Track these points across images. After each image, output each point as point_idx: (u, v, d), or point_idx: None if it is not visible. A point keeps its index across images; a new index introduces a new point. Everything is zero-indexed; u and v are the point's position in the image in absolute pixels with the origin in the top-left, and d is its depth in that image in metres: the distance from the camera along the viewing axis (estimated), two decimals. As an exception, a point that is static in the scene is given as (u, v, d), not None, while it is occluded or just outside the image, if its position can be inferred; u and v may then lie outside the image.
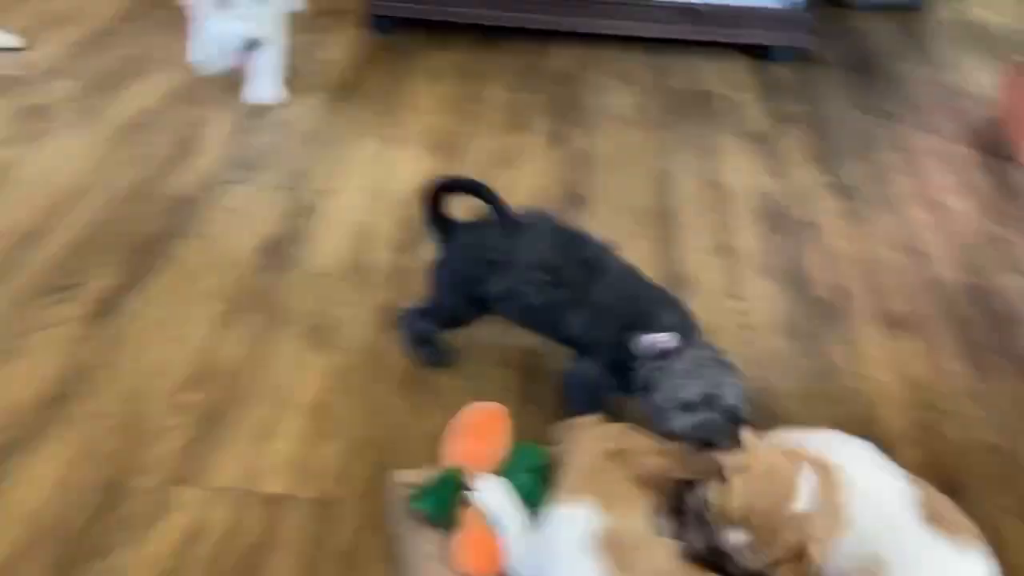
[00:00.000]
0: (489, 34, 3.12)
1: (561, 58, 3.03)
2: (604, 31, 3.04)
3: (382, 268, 2.04)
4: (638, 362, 1.43)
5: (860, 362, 1.84)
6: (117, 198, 2.22)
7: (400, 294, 1.96)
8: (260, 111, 2.63)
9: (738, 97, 2.84)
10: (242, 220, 2.18)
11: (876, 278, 2.09)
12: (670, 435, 1.31)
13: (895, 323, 1.95)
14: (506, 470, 1.36)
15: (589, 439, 1.23)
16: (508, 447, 1.39)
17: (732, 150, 2.56)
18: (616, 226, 2.21)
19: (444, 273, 1.71)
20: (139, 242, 2.07)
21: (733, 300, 2.00)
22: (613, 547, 1.03)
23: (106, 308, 1.87)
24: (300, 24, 3.13)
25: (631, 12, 2.99)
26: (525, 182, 2.37)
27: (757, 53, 3.08)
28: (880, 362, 1.85)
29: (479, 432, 1.38)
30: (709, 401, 1.32)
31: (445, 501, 1.31)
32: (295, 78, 2.79)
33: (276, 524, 1.46)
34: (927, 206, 2.36)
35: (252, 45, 2.45)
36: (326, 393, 1.71)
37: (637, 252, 2.10)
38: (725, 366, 1.38)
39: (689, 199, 2.34)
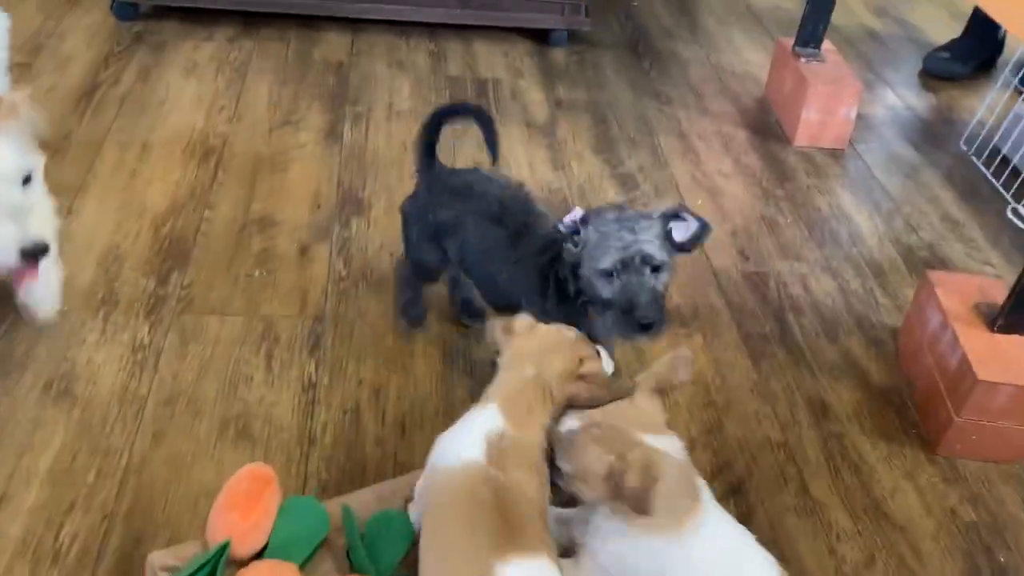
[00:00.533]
0: (250, 21, 2.89)
1: (330, 46, 2.85)
2: (372, 16, 2.88)
3: (133, 298, 1.82)
4: (564, 251, 1.41)
5: (642, 362, 1.83)
6: None
7: (152, 330, 1.76)
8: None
9: (517, 84, 2.77)
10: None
11: (659, 271, 2.08)
12: (602, 303, 1.37)
13: (673, 316, 1.95)
14: (280, 543, 1.23)
15: (520, 357, 1.26)
16: (274, 514, 1.26)
17: (515, 141, 2.49)
18: (396, 232, 2.09)
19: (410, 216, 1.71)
20: None
21: (520, 306, 1.94)
22: (494, 445, 1.16)
23: None
24: (35, 8, 2.79)
25: (402, -5, 2.85)
26: (297, 187, 2.20)
27: (535, 36, 3.02)
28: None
29: (245, 501, 1.23)
30: (624, 263, 1.34)
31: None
32: (26, 75, 2.47)
33: (9, 628, 1.26)
34: (702, 190, 2.38)
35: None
36: (70, 456, 1.50)
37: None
38: (632, 219, 1.37)
39: (471, 198, 2.25)
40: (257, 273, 1.93)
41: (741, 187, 2.42)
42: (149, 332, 1.76)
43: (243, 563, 1.23)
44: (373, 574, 1.21)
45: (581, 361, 1.26)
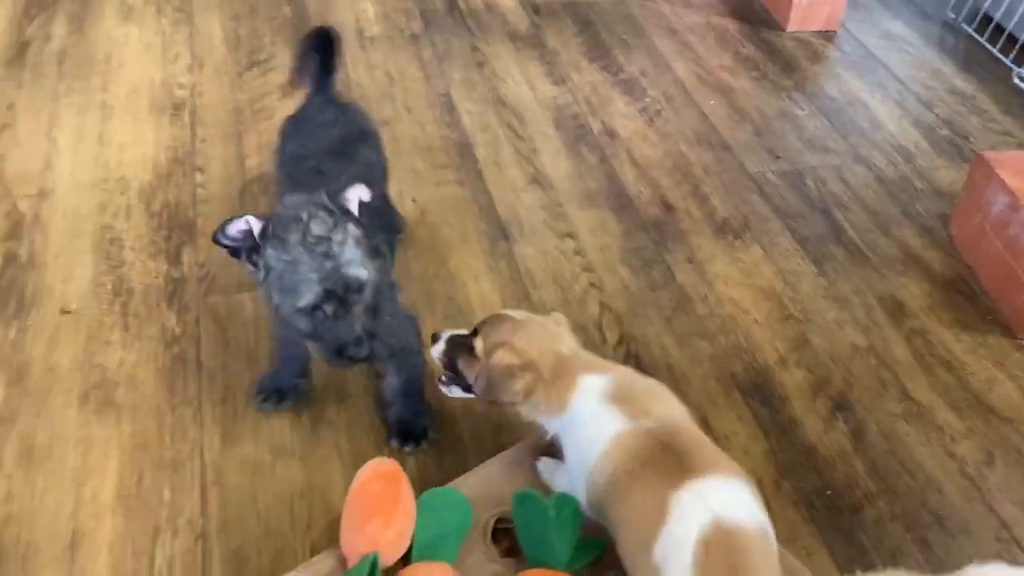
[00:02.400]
0: (180, -50, 2.58)
1: (276, -30, 2.57)
2: (320, -68, 2.61)
3: (148, 285, 1.62)
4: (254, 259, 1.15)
5: (709, 283, 1.74)
6: None
7: (180, 318, 1.57)
8: (-94, 96, 2.00)
9: (487, -7, 2.57)
10: (-67, 257, 1.64)
11: (691, 182, 1.98)
12: (307, 335, 1.16)
13: (727, 230, 1.86)
14: (426, 542, 1.11)
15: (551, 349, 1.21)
16: (413, 513, 1.13)
17: (503, 58, 2.31)
18: (412, 174, 1.92)
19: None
20: None
21: (565, 239, 1.81)
22: (620, 403, 1.15)
23: None
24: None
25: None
26: (288, 136, 1.99)
27: (490, -62, 2.80)
28: (728, 278, 1.75)
29: (382, 505, 1.10)
30: (322, 297, 1.11)
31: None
32: (-58, 42, 2.16)
33: None
34: (713, 90, 2.27)
35: None
36: (135, 476, 1.33)
37: (444, 202, 1.86)
38: (328, 234, 1.12)
39: (480, 126, 2.08)
40: (276, 238, 1.74)
41: (748, 82, 2.31)
42: (178, 321, 1.57)
43: (391, 570, 1.10)
44: (556, 560, 1.10)
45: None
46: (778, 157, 2.07)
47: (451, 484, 1.24)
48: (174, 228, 1.74)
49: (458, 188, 1.91)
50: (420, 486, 1.25)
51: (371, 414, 1.45)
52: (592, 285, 1.71)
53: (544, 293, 1.69)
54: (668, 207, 1.91)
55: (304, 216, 1.11)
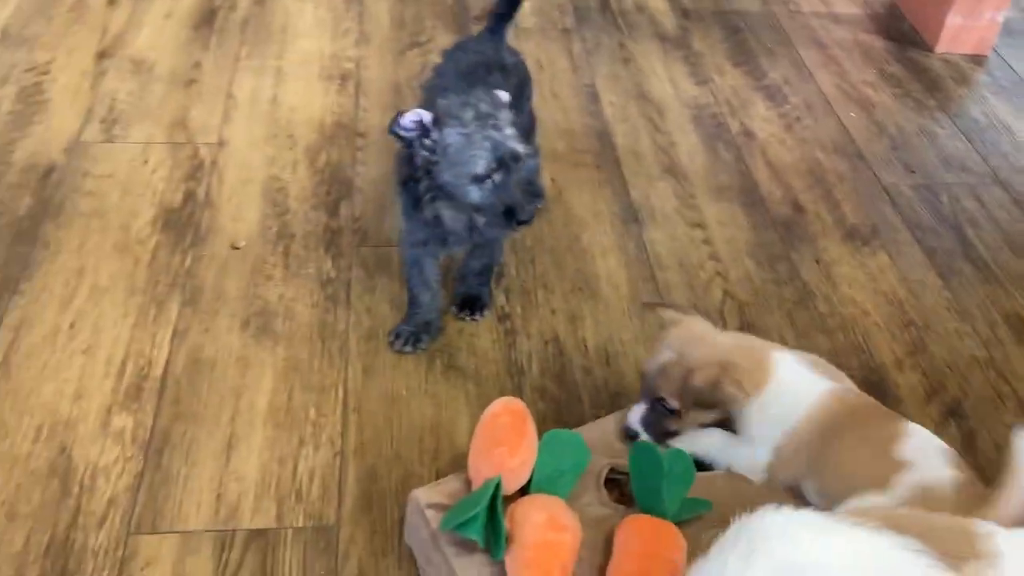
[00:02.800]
0: (356, -64, 2.77)
1: (441, -40, 2.73)
2: (485, -73, 2.75)
3: (309, 231, 1.78)
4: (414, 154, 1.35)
5: (834, 284, 1.78)
6: (-39, 176, 1.82)
7: (335, 263, 1.72)
8: (112, 50, 2.23)
9: (639, -5, 2.67)
10: (125, 188, 1.84)
11: (824, 187, 2.02)
12: (474, 208, 1.34)
13: (855, 235, 1.90)
14: (544, 477, 1.21)
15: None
16: (536, 448, 1.23)
17: (650, 57, 2.40)
18: (556, 155, 2.03)
19: None
20: (3, 232, 1.71)
21: (694, 228, 1.88)
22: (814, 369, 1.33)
23: (-14, 322, 1.54)
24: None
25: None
26: (441, 112, 2.13)
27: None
28: (853, 281, 1.79)
29: (511, 436, 1.21)
30: (493, 165, 1.30)
31: (496, 522, 1.14)
32: (141, 1, 2.39)
33: (269, 567, 1.25)
34: (854, 103, 2.30)
35: None
36: (286, 394, 1.48)
37: (580, 183, 1.96)
38: (491, 117, 1.32)
39: (621, 117, 2.17)
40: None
41: (890, 98, 2.33)
42: (333, 265, 1.72)
43: (510, 498, 1.21)
44: (665, 511, 1.19)
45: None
46: (913, 172, 2.08)
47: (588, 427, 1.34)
48: (334, 184, 1.90)
49: (595, 171, 2.00)
50: (540, 433, 1.35)
51: (499, 366, 1.56)
52: (717, 273, 1.78)
53: (669, 275, 1.76)
54: (798, 208, 1.95)
55: (472, 100, 1.32)
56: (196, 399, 1.46)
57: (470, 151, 1.29)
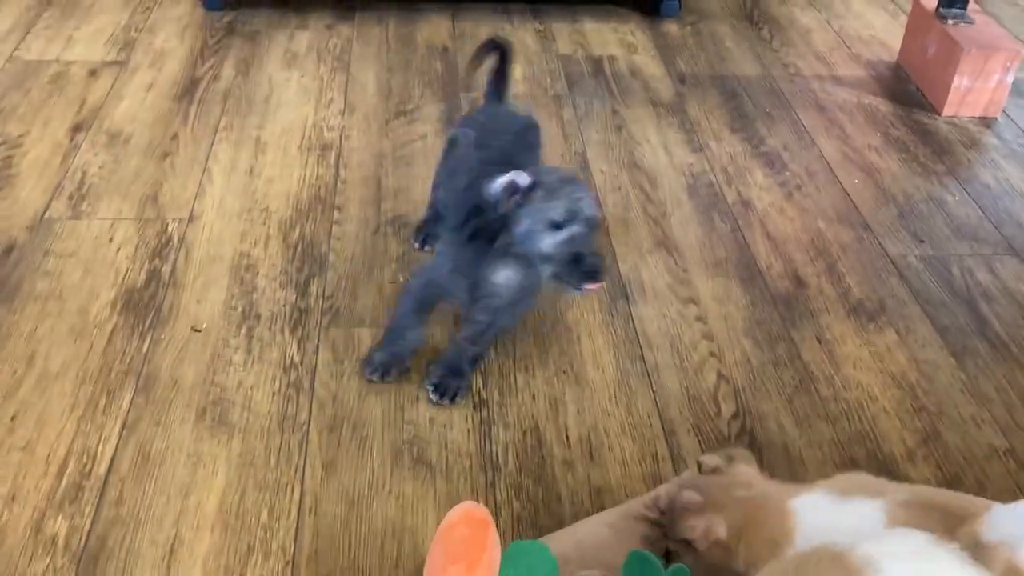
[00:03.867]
0: (344, 5, 2.73)
1: (431, 28, 2.68)
2: (477, -6, 2.71)
3: (275, 312, 1.68)
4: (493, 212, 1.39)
5: (837, 364, 1.65)
6: (-85, 256, 1.74)
7: (300, 346, 1.61)
8: (89, 122, 2.17)
9: (634, 60, 2.59)
10: (87, 268, 1.75)
11: (827, 260, 1.90)
12: (543, 256, 1.38)
13: (860, 311, 1.77)
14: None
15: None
16: (498, 563, 1.11)
17: (643, 123, 2.31)
18: (539, 228, 1.93)
19: None
20: (-46, 315, 1.63)
21: (687, 305, 1.77)
22: None
23: (-78, 415, 1.44)
24: (121, 2, 2.65)
25: (504, -29, 2.67)
26: (425, 183, 2.03)
27: (643, 9, 2.83)
28: (858, 361, 1.66)
29: (467, 551, 1.08)
30: (572, 216, 1.36)
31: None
32: (123, 73, 2.34)
33: None
34: (858, 169, 2.19)
35: None
36: (238, 493, 1.36)
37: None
38: (574, 180, 1.43)
39: (612, 187, 2.08)
40: (401, 279, 1.78)
41: (896, 163, 2.22)
42: (298, 349, 1.61)
43: (469, 621, 1.08)
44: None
45: None
46: (922, 242, 1.97)
47: (541, 539, 1.21)
48: (306, 260, 1.80)
49: (584, 246, 1.90)
50: (509, 539, 1.22)
51: (472, 460, 1.44)
52: (711, 354, 1.66)
53: (659, 356, 1.65)
54: (799, 283, 1.84)
55: (551, 169, 1.48)
56: (140, 499, 1.35)
57: (552, 199, 1.36)
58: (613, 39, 2.70)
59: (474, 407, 1.53)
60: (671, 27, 2.77)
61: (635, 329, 1.70)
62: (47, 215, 1.88)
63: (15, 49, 2.42)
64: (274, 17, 2.66)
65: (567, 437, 1.49)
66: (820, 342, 1.70)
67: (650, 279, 1.82)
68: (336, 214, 1.94)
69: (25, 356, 1.56)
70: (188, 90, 2.31)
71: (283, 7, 2.69)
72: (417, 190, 2.01)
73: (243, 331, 1.64)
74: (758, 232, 1.97)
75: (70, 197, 1.93)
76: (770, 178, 2.14)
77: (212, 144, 2.12)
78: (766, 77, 2.55)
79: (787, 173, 2.16)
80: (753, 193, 2.09)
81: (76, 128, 2.15)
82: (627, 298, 1.77)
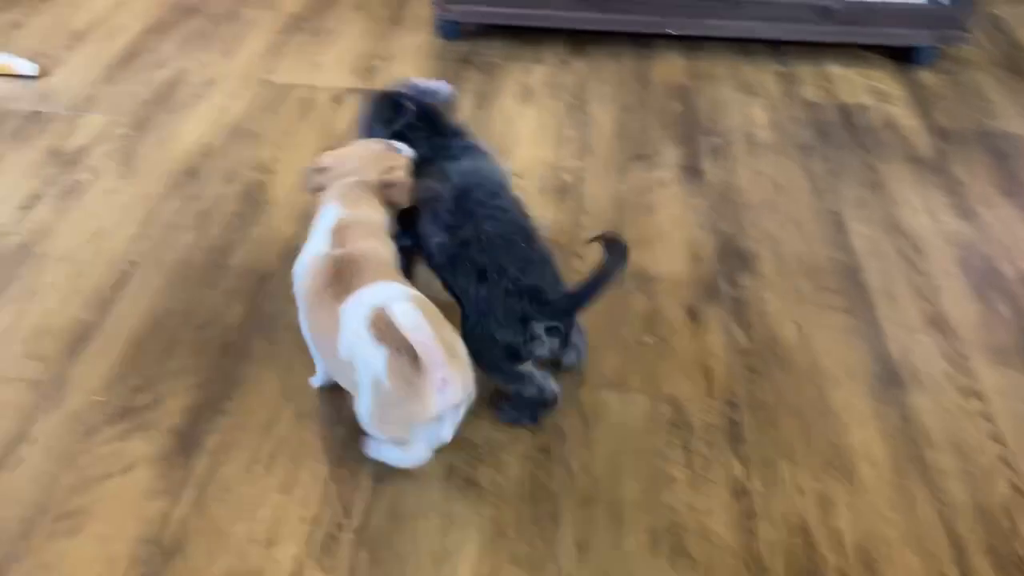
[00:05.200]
0: (577, 39, 2.67)
1: (667, 66, 2.59)
2: (718, 34, 2.59)
3: (522, 367, 1.62)
4: None
5: None
6: (175, 279, 1.79)
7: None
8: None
9: (887, 110, 2.41)
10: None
11: None
12: None
13: None
14: None
15: (341, 174, 1.53)
16: None
17: (902, 182, 2.13)
18: (796, 294, 1.80)
19: None
20: (211, 343, 1.66)
21: (968, 398, 1.59)
22: (338, 230, 1.45)
23: (186, 443, 1.46)
24: (361, 31, 2.70)
25: (747, 10, 2.54)
26: (670, 233, 1.94)
27: (895, 54, 2.63)
28: None
29: None
30: None
31: None
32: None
33: None
34: None
35: None
36: (489, 565, 1.30)
37: (829, 329, 1.71)
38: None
39: (873, 252, 1.92)
40: (648, 340, 1.69)
41: None
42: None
43: None
44: None
45: (390, 169, 1.52)
46: None
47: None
48: (551, 313, 1.74)
49: (845, 317, 1.75)
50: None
51: (735, 558, 1.33)
52: (1001, 460, 1.48)
53: (942, 457, 1.48)
54: (1100, 382, 1.63)
55: None
56: (394, 560, 1.31)
57: None
58: (862, 86, 2.52)
59: (734, 494, 1.42)
60: (926, 76, 2.57)
61: (911, 421, 1.55)
62: (296, 243, 1.90)
63: (266, 72, 2.49)
64: (509, 49, 2.64)
65: (841, 543, 1.35)
66: None
67: (923, 363, 1.66)
68: (576, 262, 1.87)
69: (279, 390, 1.57)
70: (427, 122, 2.31)
71: (518, 39, 2.66)
72: (659, 241, 1.92)
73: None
74: (1045, 318, 1.76)
75: (318, 227, 1.95)
76: (1055, 254, 1.92)
77: (453, 180, 2.10)
78: (1042, 137, 2.31)
79: (1075, 250, 1.94)
80: (1036, 271, 1.88)
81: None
82: (898, 384, 1.62)
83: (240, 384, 1.58)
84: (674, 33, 2.59)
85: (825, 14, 2.53)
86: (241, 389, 1.57)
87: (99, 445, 1.46)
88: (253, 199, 2.02)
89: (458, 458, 1.46)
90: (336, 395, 1.54)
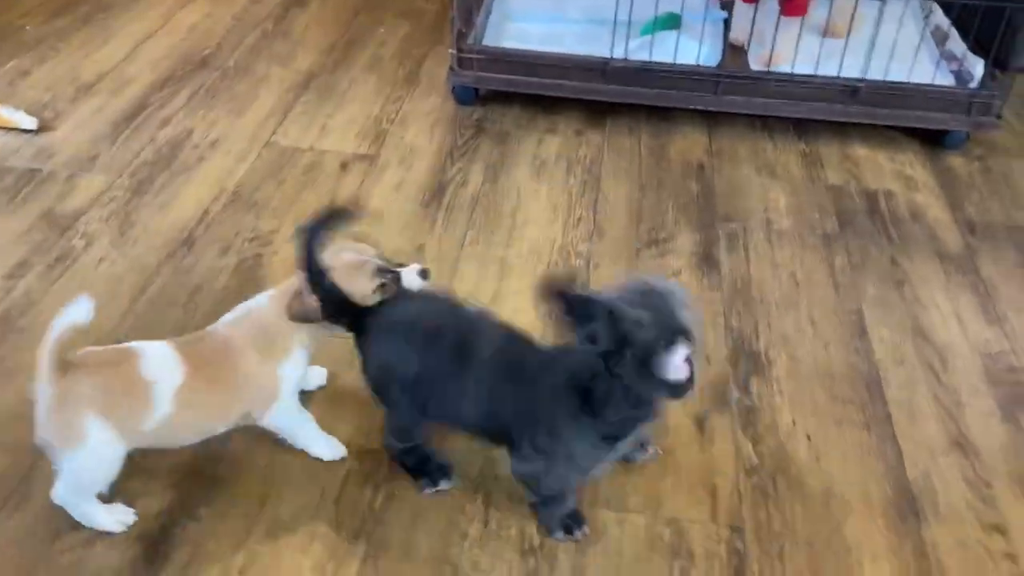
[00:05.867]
0: (594, 110, 2.60)
1: (686, 142, 2.51)
2: (741, 110, 2.51)
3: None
4: None
5: None
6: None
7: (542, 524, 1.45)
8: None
9: (914, 199, 2.31)
10: (321, 397, 1.67)
11: None
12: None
13: None
14: None
15: None
16: None
17: (928, 280, 2.03)
18: (810, 403, 1.70)
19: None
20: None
21: (991, 534, 1.48)
22: None
23: (159, 550, 1.38)
24: (374, 91, 2.64)
25: (771, 88, 2.46)
26: (678, 331, 1.85)
27: (924, 136, 2.54)
28: None
29: None
30: None
31: None
32: (373, 169, 2.29)
33: None
34: None
35: None
36: None
37: (844, 446, 1.61)
38: None
39: (895, 359, 1.82)
40: (651, 451, 1.59)
41: None
42: (537, 530, 1.45)
43: None
44: None
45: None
46: None
47: None
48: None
49: (863, 433, 1.65)
50: None
51: None
52: (1027, 610, 1.37)
53: (961, 603, 1.37)
54: None
55: None
56: None
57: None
58: (889, 170, 2.42)
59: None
60: (956, 161, 2.47)
61: (928, 558, 1.44)
62: (290, 326, 1.82)
63: (272, 134, 2.43)
64: (523, 118, 2.57)
65: None
66: None
67: (944, 490, 1.55)
68: (582, 359, 1.78)
69: (258, 496, 1.48)
70: (436, 195, 2.24)
71: (534, 107, 2.59)
72: (671, 340, 1.82)
73: (480, 497, 1.50)
74: (1079, 444, 1.65)
75: (313, 308, 1.87)
76: (1089, 369, 1.81)
77: (457, 262, 2.02)
78: (1078, 235, 2.21)
79: (1111, 365, 1.83)
80: (1068, 388, 1.77)
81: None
82: (916, 513, 1.51)
83: (216, 487, 1.49)
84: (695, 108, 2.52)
85: (852, 94, 2.45)
86: (218, 494, 1.48)
87: (60, 554, 1.38)
88: (247, 274, 1.95)
89: (441, 582, 1.37)
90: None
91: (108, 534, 1.40)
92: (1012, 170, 2.45)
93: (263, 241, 2.05)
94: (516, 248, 2.08)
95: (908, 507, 1.52)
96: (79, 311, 1.26)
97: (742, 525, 1.48)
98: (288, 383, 1.45)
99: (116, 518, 1.41)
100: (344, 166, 2.33)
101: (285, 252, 2.02)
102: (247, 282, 1.93)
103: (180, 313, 1.84)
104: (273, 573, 1.37)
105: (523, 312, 1.89)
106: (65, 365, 1.29)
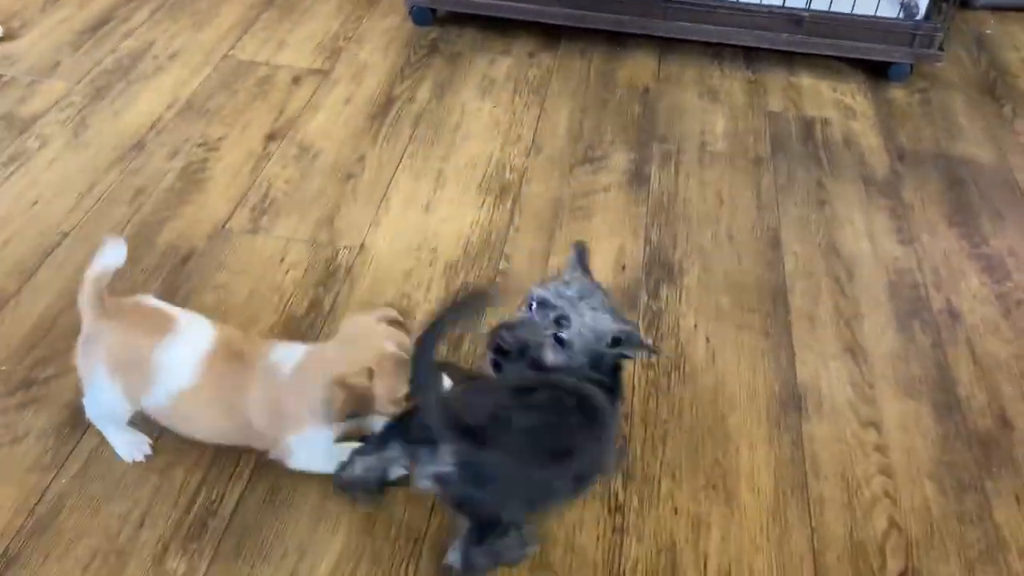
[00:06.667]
0: (551, 33, 2.65)
1: (636, 66, 2.56)
2: (690, 36, 2.56)
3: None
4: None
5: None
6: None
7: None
8: (284, 131, 2.21)
9: (850, 127, 2.37)
10: (253, 288, 1.77)
11: (1043, 398, 1.66)
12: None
13: (1076, 470, 1.53)
14: None
15: None
16: None
17: (851, 202, 2.11)
18: (714, 310, 1.79)
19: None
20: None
21: (867, 429, 1.58)
22: None
23: (80, 419, 1.49)
24: (335, 9, 2.69)
25: (719, 15, 2.51)
26: (600, 240, 1.94)
27: (869, 68, 2.59)
28: (1064, 533, 1.43)
29: None
30: None
31: None
32: (325, 84, 2.36)
33: None
34: (1095, 291, 1.91)
35: None
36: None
37: (740, 349, 1.70)
38: None
39: (804, 272, 1.90)
40: (557, 347, 1.68)
41: None
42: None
43: None
44: None
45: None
46: None
47: None
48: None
49: (760, 338, 1.74)
50: None
51: (597, 572, 1.33)
52: (886, 494, 1.47)
53: (826, 487, 1.48)
54: (1005, 423, 1.61)
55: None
56: (257, 540, 1.33)
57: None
58: (830, 99, 2.48)
59: (609, 511, 1.42)
60: (897, 93, 2.53)
61: (803, 449, 1.54)
62: (228, 226, 1.92)
63: (231, 48, 2.50)
64: (479, 39, 2.62)
65: (705, 566, 1.36)
66: (1020, 502, 1.47)
67: (829, 390, 1.65)
68: (502, 263, 1.87)
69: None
70: (383, 109, 2.31)
71: (490, 30, 2.65)
72: (590, 247, 1.91)
73: (389, 381, 1.60)
74: (963, 352, 1.74)
75: (252, 209, 1.96)
76: (988, 287, 1.90)
77: (395, 172, 2.10)
78: (1001, 164, 2.27)
79: (1009, 284, 1.91)
80: (964, 303, 1.85)
81: (271, 137, 2.19)
82: (800, 410, 1.61)
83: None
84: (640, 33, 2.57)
85: (796, 24, 2.49)
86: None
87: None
88: (191, 176, 2.04)
89: (342, 453, 1.47)
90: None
91: (39, 401, 1.51)
92: (952, 101, 2.51)
93: (210, 147, 2.14)
94: (453, 161, 2.15)
95: (793, 404, 1.62)
96: (113, 254, 1.30)
97: (630, 413, 1.58)
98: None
99: (129, 447, 1.43)
100: (296, 80, 2.40)
101: (230, 158, 2.11)
102: (192, 184, 2.01)
103: (125, 210, 1.93)
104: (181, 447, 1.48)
105: (452, 221, 1.99)
106: (103, 309, 1.31)
